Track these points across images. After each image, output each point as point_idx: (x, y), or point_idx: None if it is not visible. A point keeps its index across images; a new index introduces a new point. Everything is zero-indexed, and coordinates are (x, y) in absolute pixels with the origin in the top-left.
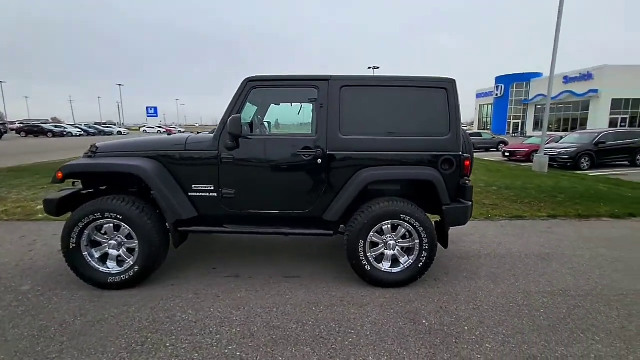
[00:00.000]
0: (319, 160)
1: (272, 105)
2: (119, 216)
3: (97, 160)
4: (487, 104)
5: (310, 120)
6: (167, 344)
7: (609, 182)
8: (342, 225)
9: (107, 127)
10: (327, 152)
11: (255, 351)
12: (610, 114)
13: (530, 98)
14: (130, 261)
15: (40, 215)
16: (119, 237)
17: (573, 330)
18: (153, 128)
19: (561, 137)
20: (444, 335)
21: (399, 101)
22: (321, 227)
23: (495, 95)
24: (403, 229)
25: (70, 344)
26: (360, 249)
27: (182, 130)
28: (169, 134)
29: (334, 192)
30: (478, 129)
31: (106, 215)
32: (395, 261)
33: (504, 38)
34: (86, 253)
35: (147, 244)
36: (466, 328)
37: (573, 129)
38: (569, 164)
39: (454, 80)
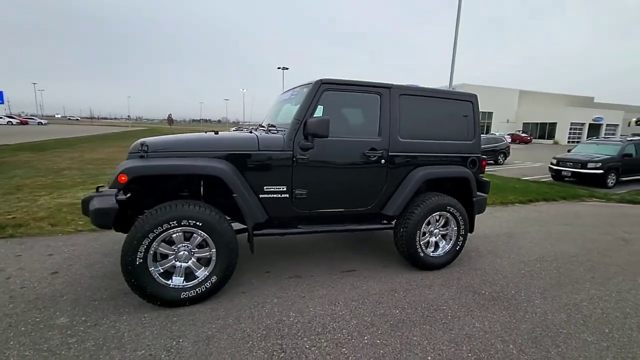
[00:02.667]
0: (382, 161)
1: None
2: (198, 223)
3: (171, 161)
4: None
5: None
6: (307, 346)
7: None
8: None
9: None
10: (390, 153)
11: (390, 336)
12: None
13: None
14: (205, 272)
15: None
16: (187, 246)
17: (569, 282)
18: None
19: None
20: (504, 299)
21: (440, 110)
22: (378, 222)
23: None
24: (444, 219)
25: None
26: (417, 238)
27: (43, 122)
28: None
29: (392, 190)
30: None
31: (183, 222)
32: (436, 246)
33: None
34: (152, 269)
35: (226, 251)
36: (513, 292)
37: None
38: None
39: (476, 95)
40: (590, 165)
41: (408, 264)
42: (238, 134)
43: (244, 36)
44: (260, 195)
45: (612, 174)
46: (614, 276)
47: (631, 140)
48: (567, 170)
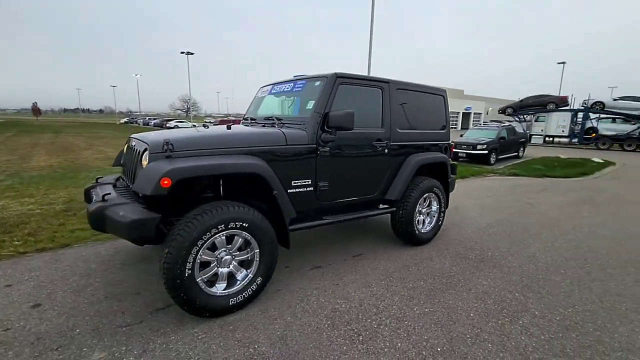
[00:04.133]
0: (386, 150)
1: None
2: (244, 224)
3: (208, 160)
4: None
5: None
6: (375, 325)
7: None
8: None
9: None
10: (391, 143)
11: (432, 304)
12: None
13: None
14: (248, 274)
15: None
16: (227, 250)
17: (518, 240)
18: None
19: None
20: (487, 260)
21: (423, 103)
22: (376, 207)
23: None
24: (429, 199)
25: None
26: (414, 218)
27: None
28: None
29: (393, 176)
30: None
31: (230, 225)
32: (423, 224)
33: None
34: (199, 279)
35: (270, 250)
36: (489, 254)
37: None
38: None
39: (446, 90)
40: (479, 147)
41: (400, 243)
42: (266, 130)
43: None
44: (289, 191)
45: (493, 154)
46: (540, 232)
47: (504, 126)
48: (462, 152)
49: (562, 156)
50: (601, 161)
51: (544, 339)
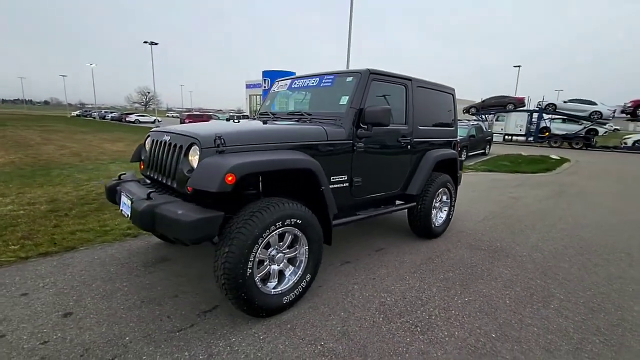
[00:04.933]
0: (409, 147)
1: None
2: (298, 221)
3: (273, 155)
4: (256, 95)
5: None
6: (426, 316)
7: None
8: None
9: None
10: (413, 140)
11: (468, 294)
12: None
13: None
14: (298, 271)
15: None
16: (278, 248)
17: (517, 231)
18: None
19: None
20: (498, 250)
21: (437, 100)
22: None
23: (263, 88)
24: (443, 193)
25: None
26: (431, 213)
27: None
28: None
29: (413, 172)
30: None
31: (287, 222)
32: (436, 217)
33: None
34: (257, 278)
35: (317, 247)
36: (497, 244)
37: None
38: None
39: (454, 88)
40: None
41: (414, 237)
42: (307, 125)
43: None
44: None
45: (464, 151)
46: (533, 223)
47: (474, 124)
48: None
49: (523, 153)
50: (558, 158)
51: (578, 320)
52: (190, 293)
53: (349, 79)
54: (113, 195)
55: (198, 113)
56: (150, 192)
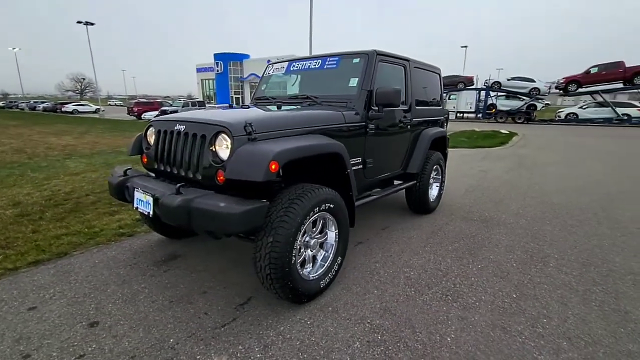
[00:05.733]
0: (409, 126)
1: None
2: (331, 205)
3: (305, 141)
4: (209, 79)
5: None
6: (452, 285)
7: None
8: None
9: None
10: (412, 119)
11: (480, 261)
12: None
13: (245, 76)
14: (329, 255)
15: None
16: (311, 232)
17: (498, 200)
18: None
19: None
20: (490, 220)
21: (427, 80)
22: (402, 180)
23: (216, 72)
24: (436, 172)
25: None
26: (428, 190)
27: None
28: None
29: (412, 151)
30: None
31: (322, 207)
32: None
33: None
34: (298, 265)
35: (345, 230)
36: (486, 214)
37: None
38: None
39: (440, 68)
40: None
41: (410, 213)
42: (324, 109)
43: None
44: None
45: None
46: (509, 193)
47: None
48: None
49: (476, 129)
50: (507, 132)
51: (576, 274)
52: (217, 288)
53: (356, 60)
54: (122, 192)
55: (146, 100)
56: (180, 186)
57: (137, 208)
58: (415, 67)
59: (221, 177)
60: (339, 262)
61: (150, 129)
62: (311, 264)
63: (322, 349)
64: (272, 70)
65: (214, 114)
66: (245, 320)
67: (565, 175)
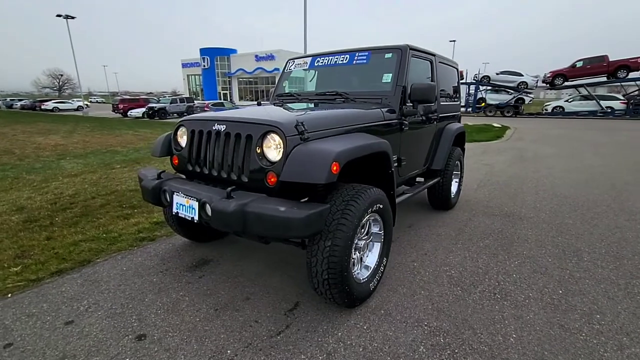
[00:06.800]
0: (435, 122)
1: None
2: (380, 206)
3: (358, 140)
4: (195, 75)
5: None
6: (499, 280)
7: None
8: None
9: None
10: (439, 115)
11: (514, 256)
12: None
13: (232, 72)
14: (374, 257)
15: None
16: (360, 234)
17: (513, 194)
18: None
19: None
20: (511, 214)
21: (449, 75)
22: (425, 177)
23: (202, 67)
24: (457, 167)
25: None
26: (452, 185)
27: None
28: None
29: (436, 147)
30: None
31: (374, 208)
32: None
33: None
34: (352, 268)
35: (390, 230)
36: (506, 209)
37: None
38: None
39: (458, 63)
40: None
41: (429, 209)
42: (364, 107)
43: None
44: None
45: None
46: (520, 187)
47: None
48: None
49: (469, 123)
50: (500, 126)
51: (612, 267)
52: (259, 293)
53: (388, 55)
54: (158, 195)
55: (130, 97)
56: (231, 190)
57: (177, 213)
58: (439, 62)
59: (273, 179)
60: (384, 263)
61: (182, 129)
62: (359, 266)
63: (387, 355)
64: (293, 66)
65: (257, 112)
66: (300, 327)
67: (568, 167)
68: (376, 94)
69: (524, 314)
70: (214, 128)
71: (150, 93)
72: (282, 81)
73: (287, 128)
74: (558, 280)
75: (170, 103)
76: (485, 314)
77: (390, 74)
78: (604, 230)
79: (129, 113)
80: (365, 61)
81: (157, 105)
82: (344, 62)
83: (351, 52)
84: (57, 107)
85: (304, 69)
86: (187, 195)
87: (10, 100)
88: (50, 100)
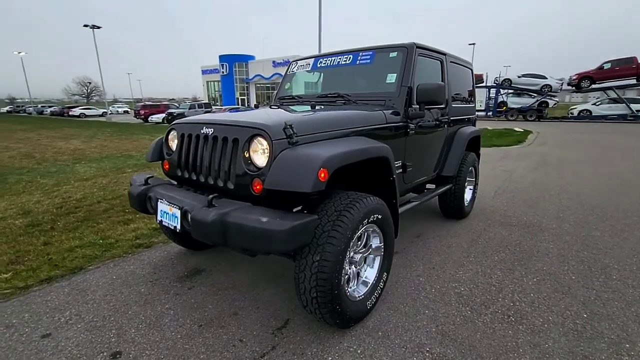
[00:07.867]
0: (445, 125)
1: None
2: (378, 216)
3: (353, 145)
4: (214, 81)
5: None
6: (511, 288)
7: None
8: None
9: None
10: (450, 118)
11: (532, 263)
12: None
13: (250, 77)
14: (373, 271)
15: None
16: (356, 247)
17: (533, 203)
18: None
19: None
20: (529, 224)
21: (462, 76)
22: (436, 184)
23: (221, 73)
24: (471, 174)
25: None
26: (465, 193)
27: None
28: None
29: (447, 152)
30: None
31: (371, 219)
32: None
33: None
34: (344, 286)
35: (391, 242)
36: (524, 219)
37: None
38: None
39: (472, 63)
40: None
41: (441, 217)
42: (366, 109)
43: None
44: None
45: None
46: (542, 194)
47: None
48: None
49: (489, 127)
50: (522, 130)
51: None
52: (249, 308)
53: (393, 54)
54: (143, 202)
55: (152, 103)
56: (212, 198)
57: (161, 222)
58: (451, 62)
59: (258, 187)
60: (384, 279)
61: (172, 132)
62: (355, 282)
63: None
64: (296, 68)
65: (246, 115)
66: (287, 348)
67: (595, 173)
68: (379, 95)
69: (542, 341)
70: (202, 131)
71: (173, 99)
72: (285, 83)
73: (273, 131)
74: (582, 301)
75: (189, 109)
76: (496, 339)
77: (395, 74)
78: (636, 245)
79: (149, 118)
80: (369, 61)
81: (177, 111)
82: (347, 62)
83: (355, 51)
84: (84, 113)
85: (306, 71)
86: (170, 203)
87: (42, 107)
88: (78, 106)
